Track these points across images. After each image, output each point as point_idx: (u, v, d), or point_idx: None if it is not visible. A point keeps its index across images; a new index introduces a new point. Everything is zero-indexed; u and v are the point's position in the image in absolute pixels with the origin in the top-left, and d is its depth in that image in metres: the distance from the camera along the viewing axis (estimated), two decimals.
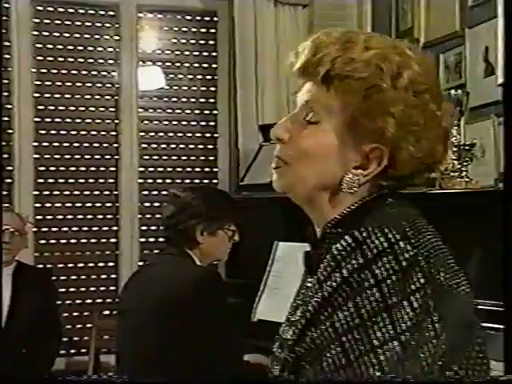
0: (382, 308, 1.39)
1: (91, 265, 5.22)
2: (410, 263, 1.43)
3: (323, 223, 1.61)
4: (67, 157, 5.19)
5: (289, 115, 1.65)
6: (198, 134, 5.44)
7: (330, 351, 1.40)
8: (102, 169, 5.27)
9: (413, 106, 1.54)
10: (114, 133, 5.28)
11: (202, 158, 5.44)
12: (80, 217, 5.20)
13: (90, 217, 5.22)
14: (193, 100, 5.44)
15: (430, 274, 1.44)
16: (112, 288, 5.22)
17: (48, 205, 5.13)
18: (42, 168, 5.13)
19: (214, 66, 5.44)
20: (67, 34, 5.20)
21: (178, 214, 3.39)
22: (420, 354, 1.39)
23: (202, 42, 5.45)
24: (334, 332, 1.41)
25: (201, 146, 5.44)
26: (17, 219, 4.63)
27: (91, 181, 5.23)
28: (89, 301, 5.18)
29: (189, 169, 5.42)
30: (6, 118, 5.00)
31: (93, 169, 5.24)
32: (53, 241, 5.15)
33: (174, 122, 5.41)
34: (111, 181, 5.27)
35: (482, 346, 1.51)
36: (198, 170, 5.43)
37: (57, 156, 5.17)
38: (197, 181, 5.39)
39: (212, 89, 5.45)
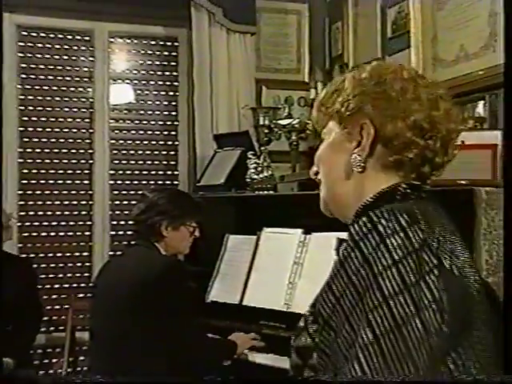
0: (403, 288, 1.35)
1: (68, 254, 5.22)
2: (422, 245, 1.40)
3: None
4: (47, 161, 5.19)
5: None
6: (162, 142, 5.46)
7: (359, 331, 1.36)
8: (77, 171, 5.27)
9: (375, 84, 1.62)
10: (88, 140, 5.29)
11: (165, 162, 5.46)
12: (58, 213, 5.21)
13: (67, 213, 5.22)
14: (157, 112, 5.45)
15: (438, 258, 1.41)
16: (86, 274, 5.23)
17: (30, 202, 5.15)
18: (26, 171, 5.14)
19: (175, 83, 5.46)
20: (48, 56, 5.20)
21: (147, 211, 3.45)
22: (434, 332, 1.35)
23: (164, 63, 5.46)
24: (362, 312, 1.37)
25: (164, 152, 5.46)
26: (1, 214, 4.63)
27: (68, 182, 5.23)
28: (66, 285, 5.18)
29: (153, 172, 5.42)
30: None
31: (70, 171, 5.24)
32: (34, 233, 5.15)
33: (141, 132, 5.42)
34: (86, 182, 5.28)
35: (483, 339, 1.46)
36: (161, 172, 5.44)
37: (38, 160, 5.18)
38: (160, 182, 5.40)
39: (173, 103, 5.47)
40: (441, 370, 1.39)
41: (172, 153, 5.49)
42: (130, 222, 4.90)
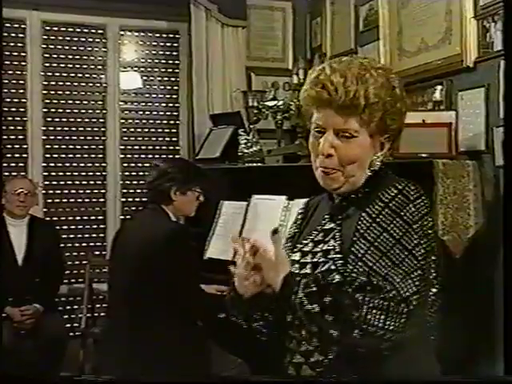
0: (425, 231, 1.64)
1: (85, 218, 5.24)
2: (429, 204, 1.69)
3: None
4: (67, 137, 5.19)
5: (326, 137, 1.73)
6: (165, 122, 5.44)
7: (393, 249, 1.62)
8: (93, 146, 5.26)
9: (403, 101, 1.77)
10: (102, 120, 5.28)
11: (168, 138, 5.44)
12: (77, 182, 5.21)
13: (84, 182, 5.23)
14: (161, 96, 5.43)
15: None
16: (101, 235, 5.25)
17: (53, 173, 5.16)
18: (49, 146, 5.15)
19: (177, 70, 5.44)
20: (67, 47, 5.19)
21: (158, 179, 3.41)
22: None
23: (167, 53, 5.43)
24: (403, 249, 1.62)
25: (167, 130, 5.44)
26: (29, 183, 4.67)
27: (85, 156, 5.24)
28: (84, 244, 5.21)
29: (158, 147, 5.41)
30: (22, 109, 5.05)
31: (86, 146, 5.24)
32: (57, 200, 5.17)
33: (147, 112, 5.40)
34: (100, 156, 5.28)
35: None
36: (164, 148, 5.42)
37: (59, 137, 5.18)
38: (164, 156, 5.33)
39: (175, 88, 5.44)
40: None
41: (174, 130, 5.47)
42: (139, 190, 5.06)
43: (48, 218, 5.07)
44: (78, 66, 5.24)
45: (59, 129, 5.20)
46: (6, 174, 4.76)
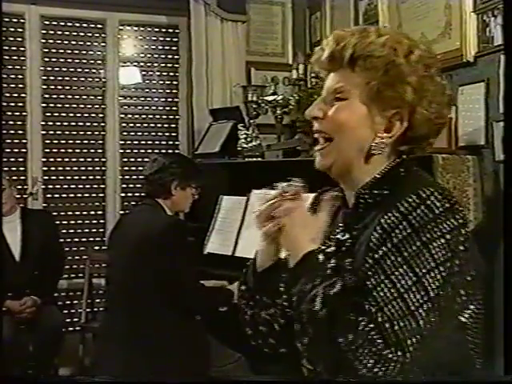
0: (449, 251, 1.33)
1: (85, 212, 5.23)
2: (465, 219, 1.39)
3: (356, 188, 1.51)
4: (66, 132, 5.18)
5: (319, 99, 1.54)
6: (164, 116, 5.43)
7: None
8: (92, 142, 5.26)
9: (423, 77, 1.46)
10: (101, 115, 5.27)
11: (167, 134, 5.44)
12: (76, 177, 5.20)
13: (83, 177, 5.22)
14: (160, 91, 5.43)
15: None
16: (101, 230, 5.25)
17: (53, 168, 5.15)
18: (48, 141, 5.14)
19: (176, 65, 5.43)
20: (66, 42, 5.18)
21: (160, 172, 3.42)
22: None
23: (167, 48, 5.43)
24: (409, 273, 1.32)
25: (166, 125, 5.44)
26: None
27: (85, 150, 5.23)
28: (84, 239, 5.20)
29: (157, 142, 5.41)
30: (21, 104, 5.04)
31: (85, 142, 5.23)
32: (56, 195, 5.16)
33: (146, 107, 5.40)
34: (100, 151, 5.27)
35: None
36: (163, 143, 5.43)
37: (58, 132, 5.17)
38: (163, 151, 5.31)
39: (175, 83, 5.44)
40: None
41: (173, 125, 5.47)
42: (139, 185, 5.03)
43: (44, 208, 5.06)
44: (77, 60, 5.23)
45: (58, 124, 5.19)
46: (6, 168, 4.74)
